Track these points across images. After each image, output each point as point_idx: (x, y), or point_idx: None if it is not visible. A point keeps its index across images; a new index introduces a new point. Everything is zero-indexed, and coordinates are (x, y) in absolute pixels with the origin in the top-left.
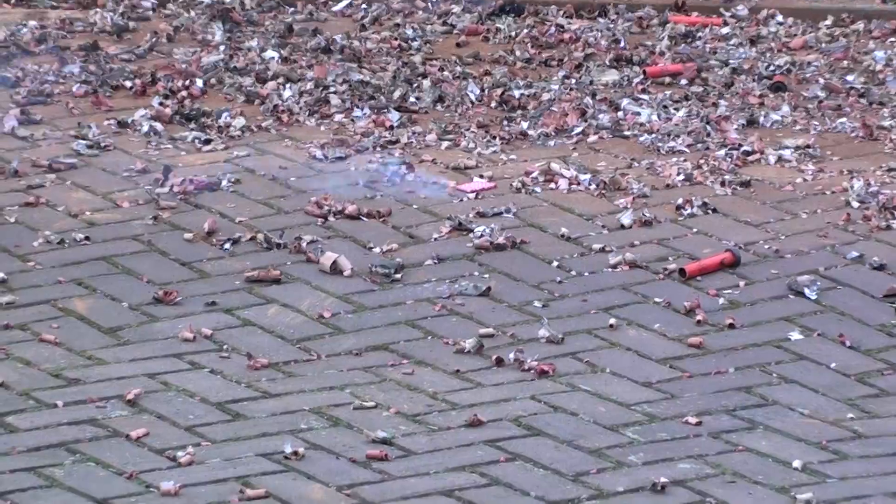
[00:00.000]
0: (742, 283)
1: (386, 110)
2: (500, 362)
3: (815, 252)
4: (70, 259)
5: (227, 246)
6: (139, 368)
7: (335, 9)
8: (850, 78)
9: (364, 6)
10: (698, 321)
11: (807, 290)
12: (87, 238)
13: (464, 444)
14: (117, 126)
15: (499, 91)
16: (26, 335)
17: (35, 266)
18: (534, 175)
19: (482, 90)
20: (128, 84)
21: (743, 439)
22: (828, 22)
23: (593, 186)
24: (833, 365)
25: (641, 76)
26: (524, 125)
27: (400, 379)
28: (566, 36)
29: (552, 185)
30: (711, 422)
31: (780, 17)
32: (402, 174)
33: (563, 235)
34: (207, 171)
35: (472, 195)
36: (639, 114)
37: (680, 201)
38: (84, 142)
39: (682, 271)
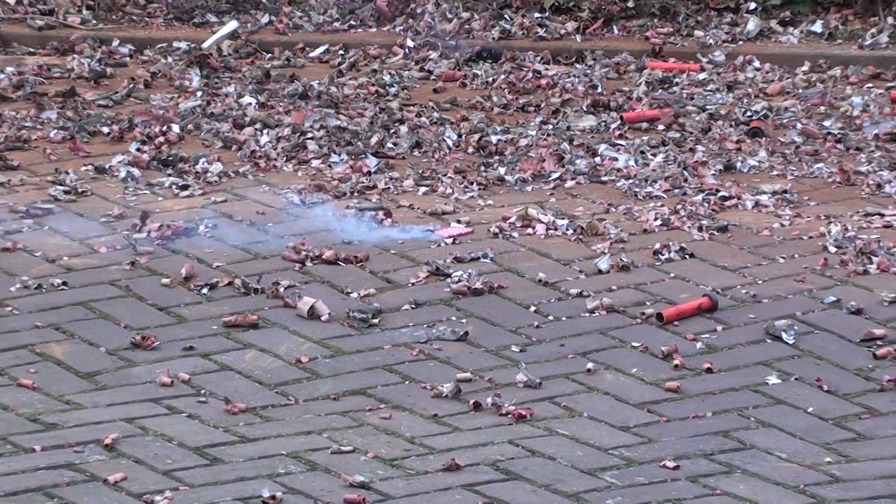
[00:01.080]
0: (720, 328)
1: (363, 156)
2: (477, 407)
3: (793, 297)
4: (48, 304)
5: (204, 291)
6: (117, 413)
7: (312, 55)
8: (827, 123)
9: (341, 52)
10: (676, 365)
11: (784, 335)
12: (64, 283)
13: (441, 488)
14: (95, 172)
15: (476, 137)
16: (4, 380)
17: (12, 311)
18: (511, 220)
19: (459, 136)
20: (105, 130)
21: (721, 483)
22: (805, 68)
23: (570, 231)
24: (811, 409)
25: (619, 122)
26: (501, 171)
27: (378, 423)
28: (543, 82)
29: (529, 230)
30: (689, 466)
31: (757, 63)
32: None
33: (540, 280)
34: (185, 216)
35: (449, 240)
36: (616, 159)
37: (657, 246)
38: (61, 187)
39: (659, 316)
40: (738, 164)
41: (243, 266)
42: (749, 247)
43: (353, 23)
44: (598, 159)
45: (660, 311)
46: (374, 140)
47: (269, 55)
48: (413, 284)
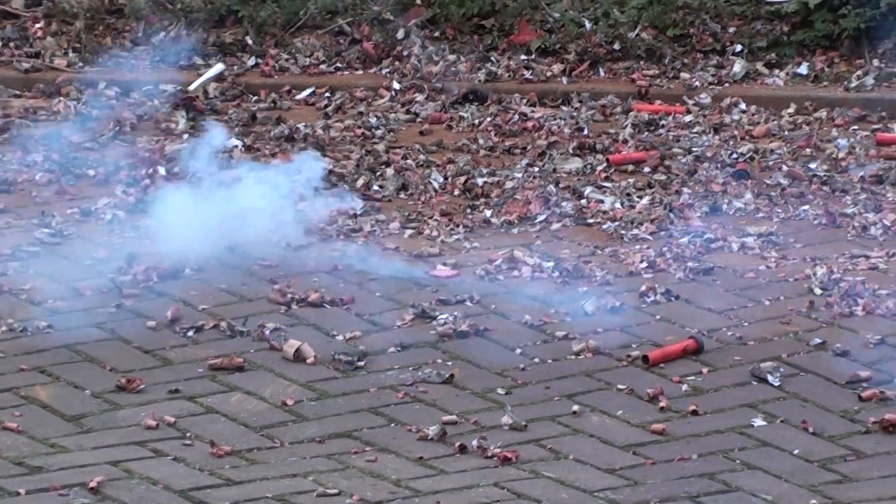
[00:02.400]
0: (705, 370)
1: (350, 198)
2: (463, 449)
3: (778, 339)
4: (33, 347)
5: (190, 333)
6: (102, 456)
7: (298, 97)
8: (812, 165)
9: (327, 95)
10: (661, 408)
11: (770, 377)
12: (50, 326)
13: None
14: (81, 214)
15: (462, 179)
16: None
17: None
18: (497, 262)
19: (445, 178)
20: (91, 172)
21: None
22: (791, 110)
23: (556, 274)
24: (796, 451)
25: (605, 164)
26: (487, 213)
27: (363, 466)
28: (529, 124)
29: (515, 272)
30: None
31: (743, 105)
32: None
33: (526, 323)
34: (171, 259)
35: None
36: (602, 201)
37: (643, 288)
38: (47, 230)
39: (645, 358)
40: (724, 207)
41: (229, 308)
42: (735, 289)
43: (340, 65)
44: (584, 201)
45: (646, 353)
46: (360, 182)
47: (256, 97)
48: (399, 327)
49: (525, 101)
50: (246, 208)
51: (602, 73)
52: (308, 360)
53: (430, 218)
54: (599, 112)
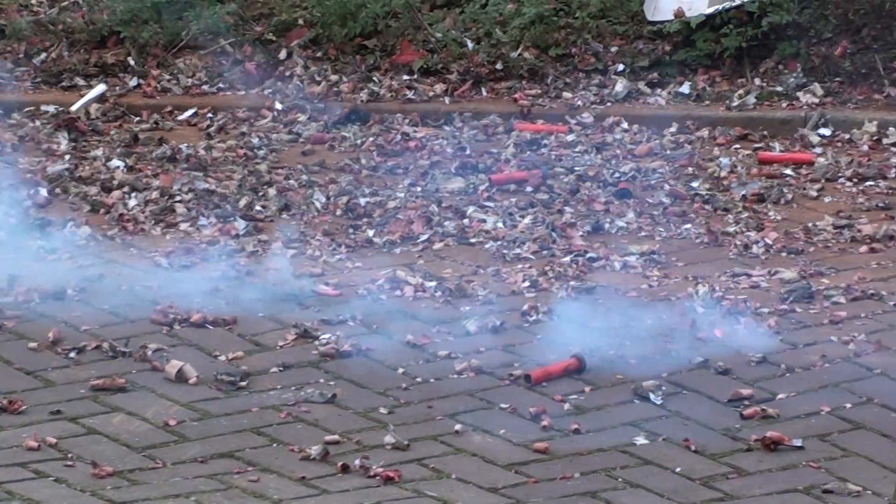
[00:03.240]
0: (588, 389)
1: (232, 219)
2: (345, 469)
3: (660, 357)
4: None
5: (72, 354)
6: None
7: (181, 118)
8: (694, 184)
9: (210, 115)
10: (544, 426)
11: (652, 395)
12: None
13: None
14: None
15: (345, 199)
16: None
17: None
18: (379, 282)
19: (328, 198)
20: None
21: None
22: (673, 129)
23: (439, 293)
24: (678, 469)
25: (487, 183)
26: (370, 233)
27: (245, 486)
28: (412, 144)
29: (398, 292)
30: None
31: (625, 125)
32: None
33: (408, 342)
34: (52, 280)
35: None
36: (484, 221)
37: (525, 307)
38: None
39: (527, 377)
40: (607, 226)
41: (111, 329)
42: (617, 308)
43: (222, 86)
44: (466, 221)
45: (528, 372)
46: (242, 203)
47: (138, 118)
48: (281, 347)
49: (407, 121)
50: None
51: (484, 93)
52: (190, 381)
53: (313, 238)
54: (482, 132)
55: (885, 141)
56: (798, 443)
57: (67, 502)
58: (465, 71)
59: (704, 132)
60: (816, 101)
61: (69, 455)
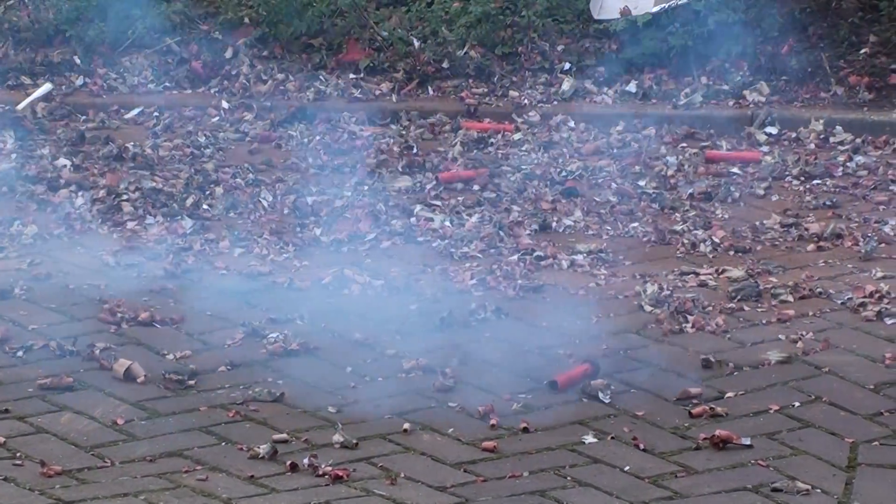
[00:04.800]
0: (536, 387)
1: (179, 217)
2: (294, 468)
3: (608, 356)
4: None
5: (19, 353)
6: None
7: (127, 116)
8: (641, 183)
9: (156, 114)
10: (492, 425)
11: (601, 394)
12: None
13: None
14: None
15: (292, 198)
16: None
17: None
18: (327, 281)
19: (275, 197)
20: None
21: None
22: (619, 127)
23: (386, 292)
24: (627, 468)
25: (434, 182)
26: (317, 231)
27: (194, 485)
28: (358, 142)
29: (345, 290)
30: None
31: (572, 123)
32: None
33: (356, 341)
34: None
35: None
36: (432, 219)
37: (473, 306)
38: None
39: (553, 383)
40: (554, 224)
41: (59, 328)
42: (565, 306)
43: (168, 84)
44: (413, 220)
45: (553, 378)
46: (189, 202)
47: (84, 117)
48: (229, 345)
49: (354, 119)
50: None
51: (431, 92)
52: (138, 380)
53: (260, 236)
54: (428, 130)
55: (831, 139)
56: (747, 441)
57: (16, 501)
58: (411, 69)
59: (651, 131)
60: (763, 99)
61: (17, 454)
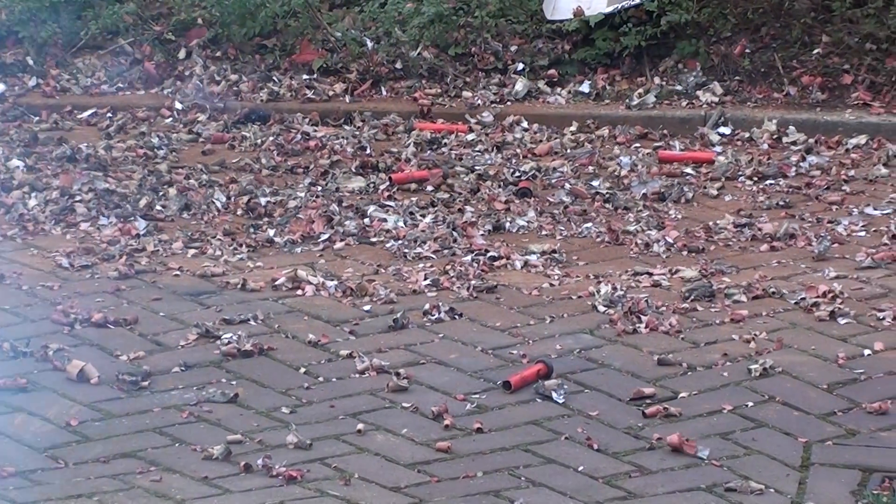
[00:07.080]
0: (489, 388)
1: (132, 218)
2: (248, 468)
3: (562, 356)
4: None
5: None
6: None
7: (80, 117)
8: (595, 183)
9: (109, 115)
10: (446, 425)
11: (554, 394)
12: None
13: None
14: None
15: (245, 198)
16: None
17: None
18: (280, 282)
19: (228, 198)
20: None
21: None
22: (573, 128)
23: (340, 293)
24: (581, 468)
25: (387, 183)
26: (271, 232)
27: (148, 486)
28: (312, 143)
29: (299, 291)
30: None
31: (525, 124)
32: None
33: (310, 342)
34: None
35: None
36: (385, 220)
37: (427, 307)
38: None
39: (507, 384)
40: (507, 225)
41: (12, 329)
42: (518, 307)
43: (121, 85)
44: (367, 220)
45: (507, 379)
46: (142, 203)
47: (37, 118)
48: (182, 347)
49: (307, 120)
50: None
51: (384, 92)
52: (92, 381)
53: (214, 238)
54: (382, 131)
55: (784, 139)
56: (704, 454)
57: None
58: (364, 70)
59: (605, 131)
60: (716, 99)
61: None
